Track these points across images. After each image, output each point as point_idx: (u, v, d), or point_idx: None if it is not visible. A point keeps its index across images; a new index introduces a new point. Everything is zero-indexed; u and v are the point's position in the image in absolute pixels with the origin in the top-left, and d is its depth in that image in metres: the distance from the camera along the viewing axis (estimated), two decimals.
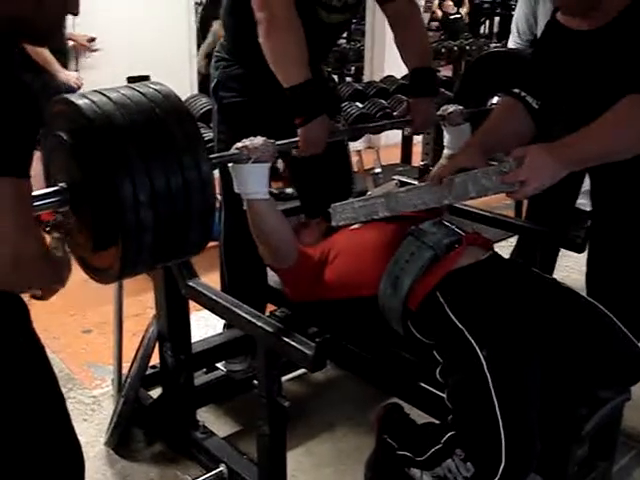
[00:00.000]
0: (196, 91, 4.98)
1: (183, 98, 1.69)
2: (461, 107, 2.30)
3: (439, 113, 2.31)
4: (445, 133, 2.33)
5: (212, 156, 1.69)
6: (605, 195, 2.14)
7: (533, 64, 2.05)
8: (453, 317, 1.69)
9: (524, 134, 1.96)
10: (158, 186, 1.43)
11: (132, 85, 1.53)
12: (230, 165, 1.82)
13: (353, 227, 2.06)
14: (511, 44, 3.16)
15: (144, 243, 1.45)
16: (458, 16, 10.50)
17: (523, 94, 1.96)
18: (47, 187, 1.54)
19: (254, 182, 1.82)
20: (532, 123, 1.97)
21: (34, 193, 1.45)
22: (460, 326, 1.67)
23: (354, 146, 3.55)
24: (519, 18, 3.09)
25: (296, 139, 2.03)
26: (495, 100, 2.61)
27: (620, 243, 2.10)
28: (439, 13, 10.52)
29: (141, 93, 1.51)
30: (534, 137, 1.96)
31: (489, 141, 1.94)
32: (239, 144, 1.81)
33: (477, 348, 1.62)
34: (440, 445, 1.64)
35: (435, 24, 10.68)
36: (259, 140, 1.82)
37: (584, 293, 1.87)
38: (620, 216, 2.10)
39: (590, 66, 1.87)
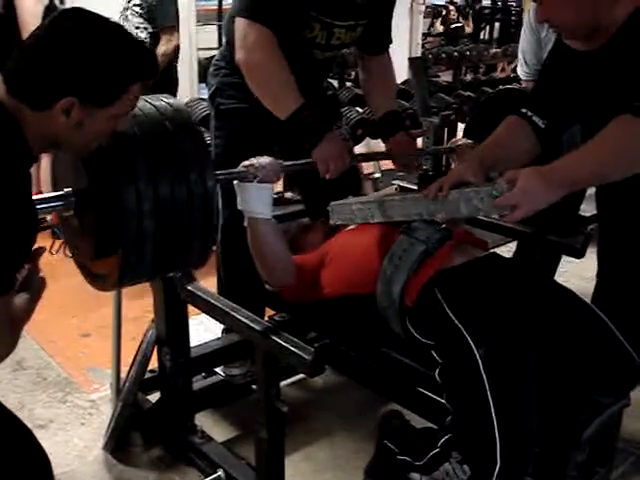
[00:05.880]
0: (196, 80, 5.00)
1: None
2: (470, 141, 2.31)
3: (449, 145, 2.33)
4: (453, 166, 2.34)
5: (218, 172, 1.69)
6: (610, 201, 2.14)
7: (540, 84, 2.05)
8: (451, 314, 1.69)
9: (529, 152, 1.96)
10: (162, 197, 1.43)
11: (144, 97, 1.54)
12: (235, 182, 1.82)
13: (349, 228, 2.08)
14: (520, 73, 3.18)
15: (145, 252, 1.45)
16: (459, 25, 10.52)
17: (530, 113, 1.96)
18: (53, 191, 1.55)
19: (258, 202, 1.83)
20: (537, 142, 1.96)
21: (41, 196, 1.46)
22: (458, 324, 1.66)
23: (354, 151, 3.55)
24: (525, 48, 3.10)
25: (303, 161, 2.06)
26: None
27: (627, 250, 2.09)
28: (440, 29, 10.55)
29: (153, 105, 1.51)
30: (539, 156, 1.95)
31: (492, 157, 1.93)
32: (246, 162, 1.82)
33: (474, 347, 1.61)
34: (437, 449, 1.64)
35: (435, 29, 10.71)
36: (266, 159, 1.82)
37: (584, 298, 1.87)
38: (626, 222, 2.09)
39: (595, 86, 1.86)
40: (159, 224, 1.44)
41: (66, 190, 1.51)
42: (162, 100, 1.57)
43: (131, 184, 1.40)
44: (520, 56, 3.15)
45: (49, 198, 1.50)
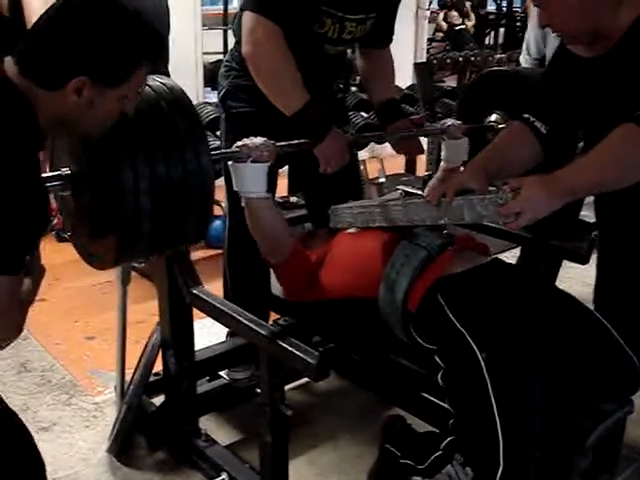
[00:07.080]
0: (202, 84, 5.01)
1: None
2: (459, 122, 2.33)
3: (438, 126, 2.35)
4: (443, 147, 2.35)
5: (212, 152, 1.71)
6: (608, 208, 2.14)
7: (543, 90, 2.05)
8: (453, 319, 1.69)
9: (531, 159, 1.96)
10: (159, 175, 1.45)
11: None
12: (229, 163, 1.85)
13: (351, 231, 2.08)
14: (522, 61, 3.41)
15: (141, 231, 1.47)
16: (463, 27, 10.53)
17: (532, 119, 1.95)
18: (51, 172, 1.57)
19: (252, 181, 1.85)
20: (540, 148, 1.96)
21: None
22: (460, 328, 1.67)
23: (358, 155, 3.55)
24: (530, 39, 3.33)
25: (297, 142, 2.07)
26: (493, 117, 2.66)
27: (627, 256, 2.09)
28: (444, 25, 10.56)
29: (147, 85, 1.54)
30: (541, 163, 1.96)
31: (494, 163, 1.93)
32: (239, 142, 1.84)
33: (477, 350, 1.62)
34: (440, 452, 1.65)
35: (440, 34, 10.72)
36: (259, 140, 1.84)
37: (587, 304, 1.87)
38: (624, 228, 2.09)
39: (598, 93, 1.86)
40: (155, 201, 1.46)
41: (64, 170, 1.52)
42: (156, 80, 1.59)
43: (128, 163, 1.42)
44: (524, 45, 3.38)
45: (47, 178, 1.50)
